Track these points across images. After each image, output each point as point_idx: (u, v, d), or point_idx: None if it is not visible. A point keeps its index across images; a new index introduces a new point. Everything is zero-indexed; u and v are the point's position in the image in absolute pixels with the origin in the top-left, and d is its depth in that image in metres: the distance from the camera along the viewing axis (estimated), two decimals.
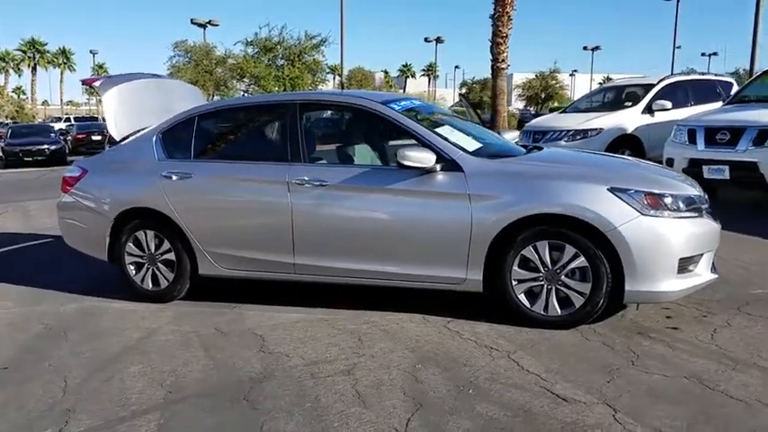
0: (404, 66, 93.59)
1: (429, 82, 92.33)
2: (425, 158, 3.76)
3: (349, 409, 2.85)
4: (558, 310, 3.67)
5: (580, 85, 76.82)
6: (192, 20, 35.19)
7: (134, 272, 4.66)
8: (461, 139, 4.08)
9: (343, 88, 29.65)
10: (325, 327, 3.96)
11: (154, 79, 5.47)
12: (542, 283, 3.68)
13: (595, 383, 3.00)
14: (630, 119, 9.74)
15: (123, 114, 4.98)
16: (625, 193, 3.52)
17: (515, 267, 3.70)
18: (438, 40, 61.21)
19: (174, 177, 4.44)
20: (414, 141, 3.97)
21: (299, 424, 2.75)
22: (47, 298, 4.87)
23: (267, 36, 28.84)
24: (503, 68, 13.93)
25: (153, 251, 4.57)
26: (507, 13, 13.60)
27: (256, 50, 29.22)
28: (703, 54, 67.69)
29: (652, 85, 10.23)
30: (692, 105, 10.16)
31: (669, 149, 7.92)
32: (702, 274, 3.66)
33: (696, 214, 3.64)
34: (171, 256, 4.52)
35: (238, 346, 3.71)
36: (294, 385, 3.14)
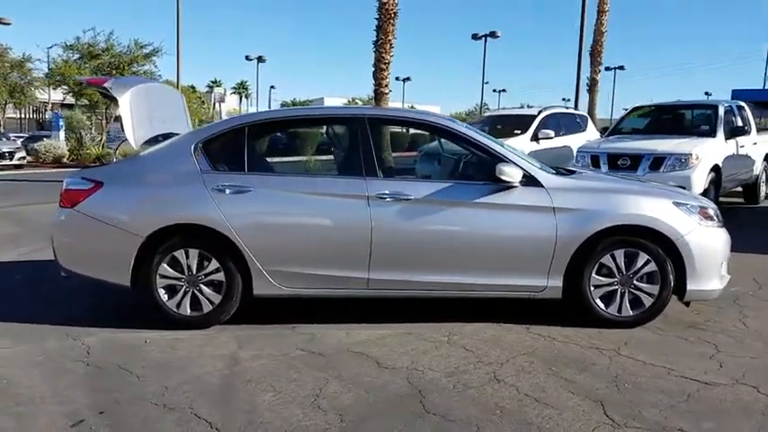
0: (213, 82, 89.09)
1: (240, 100, 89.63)
2: (516, 174, 4.02)
3: (544, 412, 2.98)
4: (630, 311, 4.14)
5: None
6: None
7: (167, 297, 4.16)
8: (525, 157, 4.41)
9: None
10: (417, 340, 3.97)
11: (153, 83, 4.96)
12: (617, 287, 4.13)
13: (712, 368, 3.50)
14: (523, 146, 10.85)
15: (138, 120, 4.46)
16: (685, 207, 4.14)
17: (593, 274, 4.11)
18: (260, 59, 60.64)
19: (229, 191, 4.10)
20: (488, 157, 4.20)
21: (518, 430, 2.82)
22: (46, 333, 4.11)
23: (91, 41, 26.26)
24: (386, 93, 14.58)
25: (195, 272, 4.14)
26: (389, 40, 14.32)
27: (79, 56, 26.38)
28: (494, 90, 76.13)
29: (534, 117, 11.53)
30: (563, 135, 11.65)
31: None
32: (726, 274, 4.41)
33: (722, 224, 4.38)
34: (219, 276, 4.14)
35: (353, 365, 3.57)
36: (462, 397, 3.16)
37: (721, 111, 9.22)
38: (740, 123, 9.61)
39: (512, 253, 4.10)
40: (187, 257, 4.13)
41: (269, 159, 4.48)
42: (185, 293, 4.17)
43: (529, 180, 4.11)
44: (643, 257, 4.08)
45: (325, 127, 4.66)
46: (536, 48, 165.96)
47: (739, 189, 10.49)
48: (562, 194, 4.09)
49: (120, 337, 4.05)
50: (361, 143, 4.19)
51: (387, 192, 4.07)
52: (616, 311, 4.15)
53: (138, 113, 4.45)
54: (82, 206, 4.19)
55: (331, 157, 4.54)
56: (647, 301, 4.13)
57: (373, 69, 14.60)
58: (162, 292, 4.16)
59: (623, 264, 4.10)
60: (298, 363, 3.62)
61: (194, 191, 4.12)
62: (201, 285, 4.16)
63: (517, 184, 4.07)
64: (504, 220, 4.08)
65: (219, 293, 4.16)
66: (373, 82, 14.62)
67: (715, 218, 4.26)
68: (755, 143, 10.11)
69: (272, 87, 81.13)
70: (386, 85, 14.50)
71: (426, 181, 4.30)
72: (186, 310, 4.18)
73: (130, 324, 4.25)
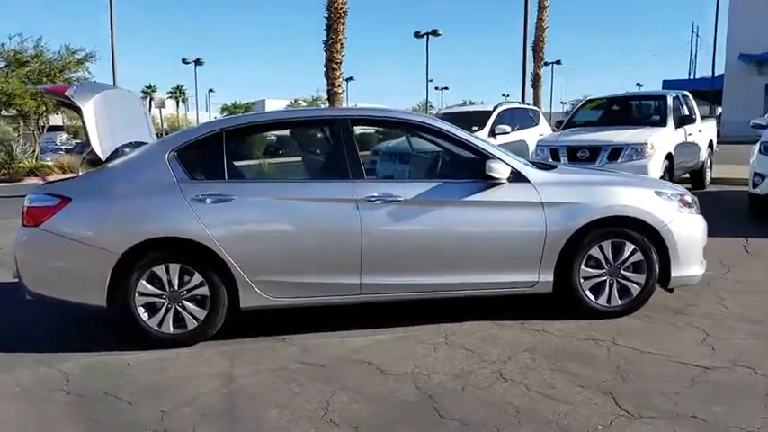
0: (147, 87, 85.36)
1: (177, 105, 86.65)
2: (505, 170, 4.01)
3: (558, 408, 2.97)
4: (619, 301, 4.21)
5: None
6: None
7: (147, 315, 3.95)
8: (509, 154, 4.40)
9: None
10: (415, 343, 3.91)
11: (113, 89, 4.70)
12: (605, 278, 4.18)
13: (706, 353, 3.58)
14: None
15: (104, 129, 4.21)
16: (666, 195, 4.24)
17: (583, 266, 4.14)
18: (197, 62, 59.01)
19: (209, 201, 3.92)
20: (475, 155, 4.18)
21: (539, 429, 2.79)
22: (13, 361, 3.84)
23: (18, 48, 24.87)
24: (339, 93, 14.42)
25: (177, 287, 3.94)
26: (340, 40, 14.18)
27: (5, 63, 24.94)
28: (437, 88, 76.95)
29: (490, 112, 11.67)
30: (518, 129, 11.84)
31: None
32: (704, 259, 4.54)
33: (699, 210, 4.50)
34: (203, 290, 3.96)
35: (355, 374, 3.47)
36: (473, 398, 3.11)
37: (670, 101, 9.57)
38: (686, 112, 10.00)
39: (503, 250, 4.09)
40: (168, 273, 3.93)
41: (249, 165, 4.31)
42: (167, 310, 3.96)
43: (516, 176, 4.10)
44: (629, 247, 4.15)
45: (306, 130, 4.54)
46: (475, 44, 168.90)
47: (686, 176, 10.89)
48: (549, 189, 4.11)
49: (99, 361, 3.81)
50: (345, 145, 4.09)
51: (375, 194, 3.98)
52: (605, 302, 4.20)
53: (102, 122, 4.21)
54: (48, 224, 3.92)
55: (314, 160, 4.42)
56: (635, 290, 4.20)
57: (325, 69, 14.46)
58: (142, 310, 3.94)
59: (610, 254, 4.16)
60: (298, 376, 3.49)
61: (172, 202, 3.92)
62: (184, 301, 3.97)
63: (504, 181, 4.06)
64: (494, 218, 4.06)
65: (204, 308, 3.98)
66: (326, 82, 14.49)
67: (693, 204, 4.38)
68: (701, 131, 10.55)
69: (210, 91, 79.34)
70: (338, 85, 14.37)
71: (413, 181, 4.22)
72: (169, 327, 3.98)
73: (106, 346, 4.02)
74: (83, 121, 4.11)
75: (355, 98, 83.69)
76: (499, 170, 3.99)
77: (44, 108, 24.36)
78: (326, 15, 14.43)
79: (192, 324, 3.99)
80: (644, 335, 3.92)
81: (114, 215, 3.95)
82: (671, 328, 4.03)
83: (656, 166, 8.37)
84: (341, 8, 14.33)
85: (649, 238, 4.15)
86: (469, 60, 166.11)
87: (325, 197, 4.00)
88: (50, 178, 20.87)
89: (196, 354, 3.89)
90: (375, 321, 4.30)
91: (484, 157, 4.13)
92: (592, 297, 4.19)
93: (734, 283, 5.05)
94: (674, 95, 9.93)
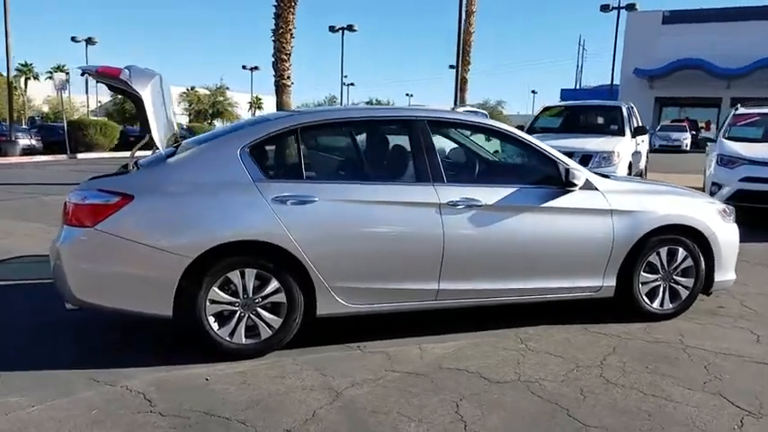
0: (22, 64, 76.74)
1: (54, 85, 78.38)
2: (581, 178, 4.12)
3: (685, 410, 3.10)
4: (670, 304, 4.45)
5: (241, 102, 79.04)
6: None
7: (217, 325, 3.66)
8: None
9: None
10: (497, 349, 3.92)
11: (157, 74, 4.28)
12: (660, 282, 4.41)
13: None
14: None
15: (158, 117, 3.85)
16: (711, 206, 4.53)
17: (642, 272, 4.34)
18: (89, 41, 54.63)
19: (290, 202, 3.69)
20: (549, 163, 4.25)
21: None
22: (65, 380, 3.42)
23: None
24: (288, 85, 13.94)
25: (251, 294, 3.68)
26: (290, 30, 13.71)
27: None
28: (344, 84, 76.65)
29: None
30: None
31: None
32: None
33: (734, 220, 4.83)
34: (279, 297, 3.73)
35: (463, 383, 3.42)
36: (601, 405, 3.16)
37: (625, 112, 10.21)
38: (635, 123, 10.71)
39: (576, 255, 4.19)
40: (243, 278, 3.66)
41: (325, 164, 4.10)
42: (240, 319, 3.69)
43: (586, 184, 4.21)
44: (682, 254, 4.40)
45: (383, 129, 4.38)
46: (382, 42, 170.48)
47: None
48: (615, 197, 4.26)
49: (168, 377, 3.47)
50: (425, 147, 4.00)
51: (457, 198, 3.93)
52: (659, 305, 4.43)
53: (157, 110, 3.85)
54: (105, 224, 3.51)
55: (392, 161, 4.28)
56: (684, 294, 4.46)
57: (273, 60, 13.95)
58: (212, 319, 3.64)
59: (665, 260, 4.38)
60: (404, 386, 3.37)
61: (251, 203, 3.65)
62: (258, 309, 3.71)
63: (576, 189, 4.16)
64: (569, 224, 4.15)
65: (280, 316, 3.75)
66: (273, 73, 13.98)
67: (731, 214, 4.71)
68: (643, 140, 11.35)
69: None
70: (288, 77, 13.92)
71: (492, 186, 4.15)
72: (241, 338, 3.71)
73: (161, 359, 3.68)
74: (140, 108, 3.72)
75: (258, 88, 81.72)
76: (579, 177, 4.08)
77: None
78: (276, 3, 13.90)
79: (265, 333, 3.74)
80: (703, 336, 4.17)
81: (186, 216, 3.62)
82: (721, 329, 4.32)
83: (621, 173, 8.89)
84: None
85: (698, 244, 4.42)
86: (376, 58, 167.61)
87: (409, 200, 3.89)
88: None
89: (275, 365, 3.65)
90: (440, 327, 4.24)
91: (559, 164, 4.20)
92: (647, 301, 4.40)
93: (740, 286, 5.46)
94: (626, 107, 10.61)
